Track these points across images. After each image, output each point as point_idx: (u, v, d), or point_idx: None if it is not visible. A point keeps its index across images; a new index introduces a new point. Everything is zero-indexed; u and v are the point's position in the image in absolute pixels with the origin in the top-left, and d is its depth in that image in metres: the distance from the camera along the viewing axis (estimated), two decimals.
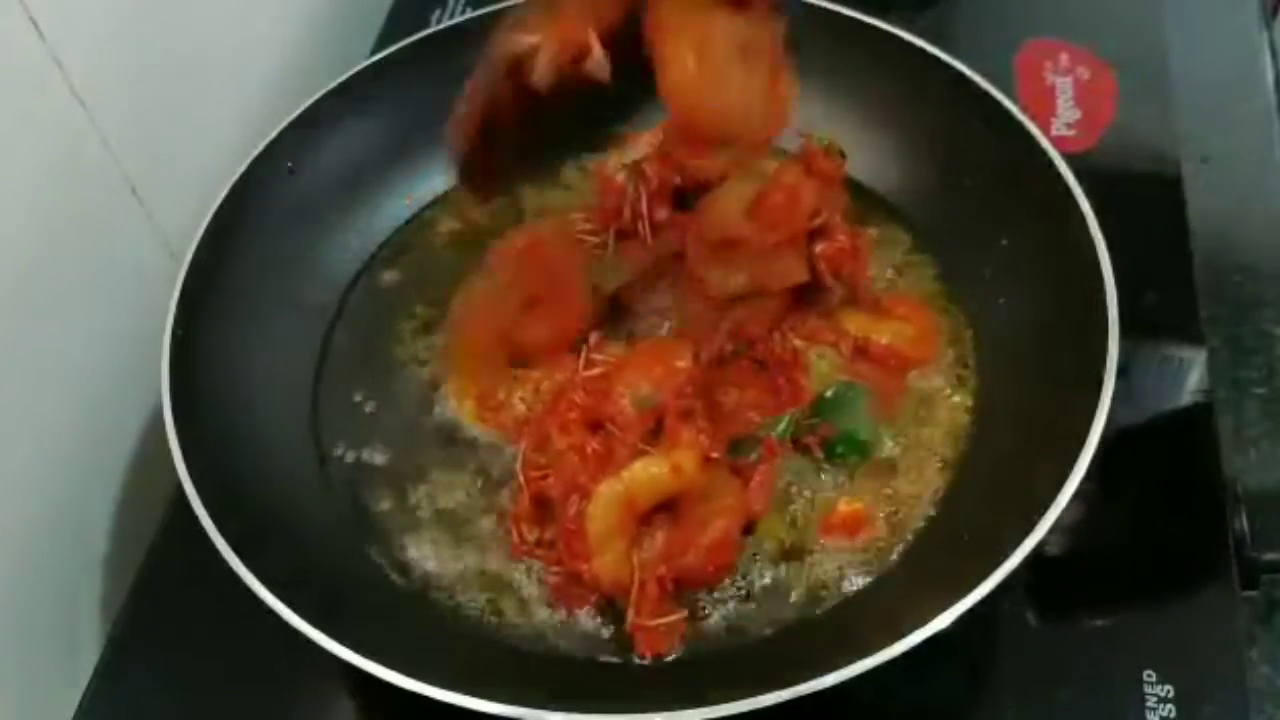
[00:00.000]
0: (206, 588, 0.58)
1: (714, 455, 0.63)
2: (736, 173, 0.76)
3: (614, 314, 0.72)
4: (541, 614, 0.62)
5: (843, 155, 0.74)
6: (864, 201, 0.77)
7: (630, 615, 0.60)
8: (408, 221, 0.80)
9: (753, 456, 0.65)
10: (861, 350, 0.70)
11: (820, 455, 0.66)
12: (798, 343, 0.68)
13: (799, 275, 0.69)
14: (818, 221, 0.71)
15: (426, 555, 0.65)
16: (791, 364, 0.68)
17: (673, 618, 0.61)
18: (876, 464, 0.67)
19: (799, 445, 0.67)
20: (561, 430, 0.64)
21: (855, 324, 0.70)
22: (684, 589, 0.62)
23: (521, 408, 0.68)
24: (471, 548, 0.65)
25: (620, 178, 0.72)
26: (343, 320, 0.75)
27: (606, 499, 0.60)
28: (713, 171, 0.75)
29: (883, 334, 0.70)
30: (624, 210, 0.72)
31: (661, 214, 0.73)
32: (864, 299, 0.72)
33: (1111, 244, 0.65)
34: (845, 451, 0.66)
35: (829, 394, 0.67)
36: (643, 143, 0.73)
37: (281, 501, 0.66)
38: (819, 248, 0.71)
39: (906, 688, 0.59)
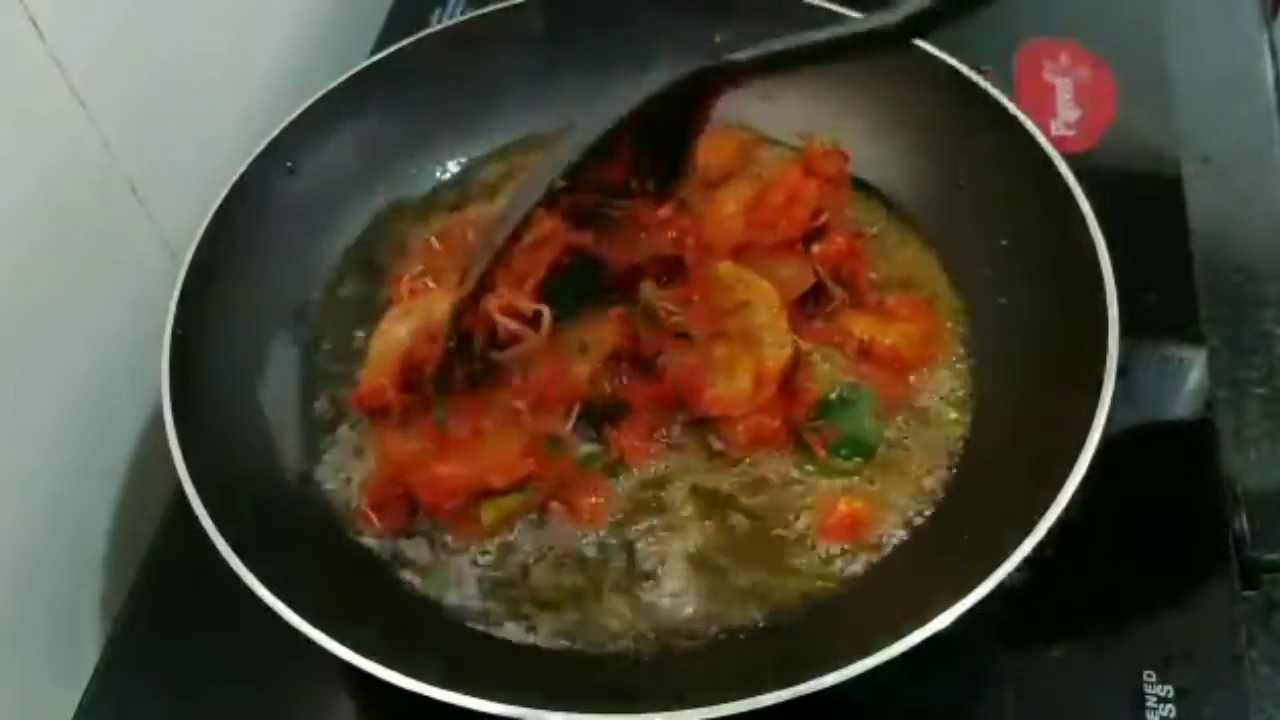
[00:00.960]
0: (206, 588, 0.58)
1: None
2: (739, 173, 0.76)
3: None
4: (540, 615, 0.62)
5: (845, 156, 0.74)
6: (864, 200, 0.77)
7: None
8: (407, 218, 0.80)
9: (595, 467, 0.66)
10: (865, 352, 0.70)
11: (824, 455, 0.66)
12: (802, 345, 0.68)
13: (804, 281, 0.69)
14: (820, 221, 0.71)
15: (426, 555, 0.65)
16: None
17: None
18: (876, 464, 0.66)
19: (803, 445, 0.67)
20: None
21: (859, 326, 0.70)
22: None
23: None
24: (471, 548, 0.65)
25: None
26: (340, 318, 0.75)
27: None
28: (715, 172, 0.76)
29: (887, 335, 0.70)
30: None
31: (662, 212, 0.73)
32: (866, 301, 0.72)
33: (1111, 244, 0.65)
34: (849, 453, 0.66)
35: (833, 395, 0.67)
36: None
37: (282, 501, 0.66)
38: (816, 249, 0.71)
39: (906, 688, 0.59)
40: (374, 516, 0.65)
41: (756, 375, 0.66)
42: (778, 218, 0.71)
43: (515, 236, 0.64)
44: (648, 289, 0.69)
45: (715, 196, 0.74)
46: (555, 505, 0.65)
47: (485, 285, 0.64)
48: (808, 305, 0.70)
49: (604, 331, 0.67)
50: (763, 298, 0.67)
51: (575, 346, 0.66)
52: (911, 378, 0.70)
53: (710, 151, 0.76)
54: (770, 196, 0.72)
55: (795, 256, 0.71)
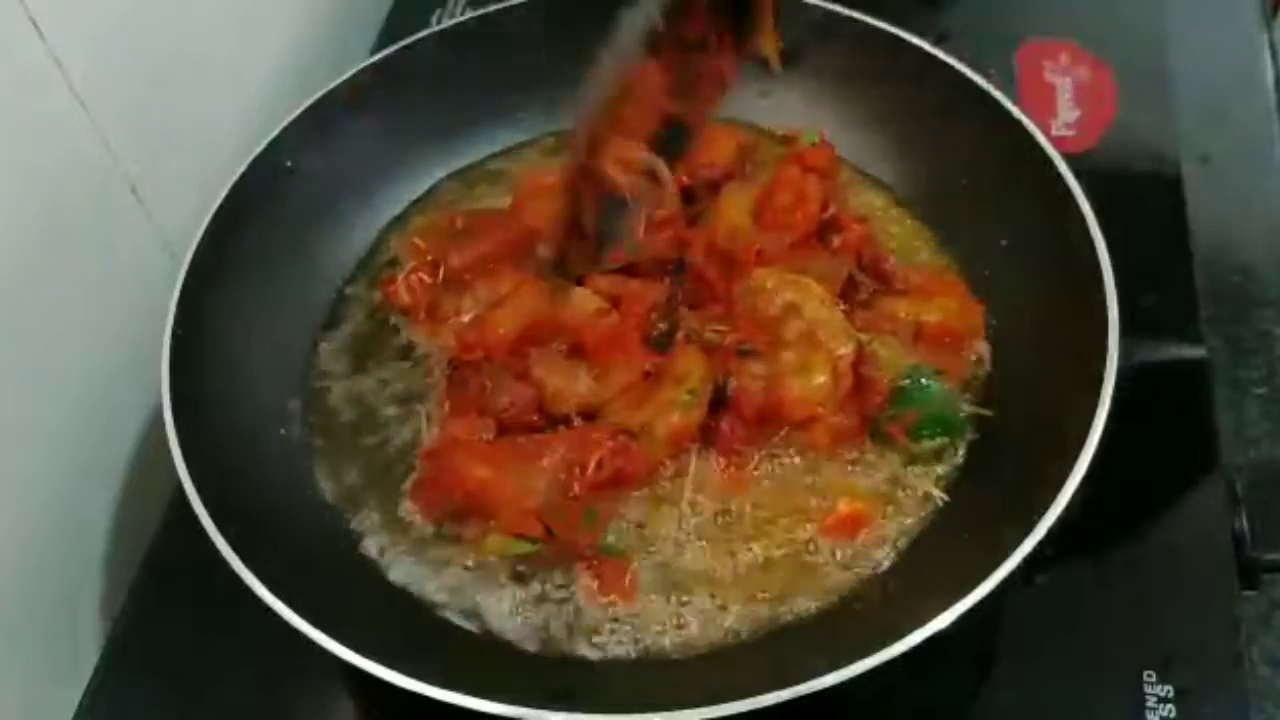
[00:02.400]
0: (206, 588, 0.58)
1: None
2: (738, 174, 0.76)
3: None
4: (540, 613, 0.62)
5: (832, 147, 0.74)
6: (866, 196, 0.78)
7: None
8: (407, 220, 0.80)
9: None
10: (917, 333, 0.69)
11: (905, 441, 0.66)
12: (861, 336, 0.67)
13: (841, 272, 0.69)
14: (829, 214, 0.71)
15: (425, 554, 0.65)
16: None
17: None
18: (875, 463, 0.67)
19: (881, 437, 0.66)
20: None
21: (902, 308, 0.70)
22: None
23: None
24: (469, 547, 0.65)
25: None
26: (341, 318, 0.75)
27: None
28: (720, 172, 0.76)
29: (930, 312, 0.70)
30: None
31: (662, 212, 0.73)
32: (896, 284, 0.71)
33: (1111, 244, 0.65)
34: (931, 433, 0.66)
35: (905, 383, 0.66)
36: None
37: (281, 501, 0.66)
38: (836, 241, 0.71)
39: (906, 688, 0.59)
40: (418, 499, 0.65)
41: (833, 369, 0.65)
42: (789, 217, 0.71)
43: (618, 90, 0.60)
44: (689, 319, 0.69)
45: (718, 204, 0.74)
46: (585, 575, 0.63)
47: (594, 144, 0.61)
48: (845, 299, 0.70)
49: (696, 367, 0.66)
50: (811, 295, 0.67)
51: (679, 390, 0.65)
52: (966, 351, 0.69)
53: (710, 151, 0.76)
54: (777, 198, 0.72)
55: (822, 251, 0.71)
